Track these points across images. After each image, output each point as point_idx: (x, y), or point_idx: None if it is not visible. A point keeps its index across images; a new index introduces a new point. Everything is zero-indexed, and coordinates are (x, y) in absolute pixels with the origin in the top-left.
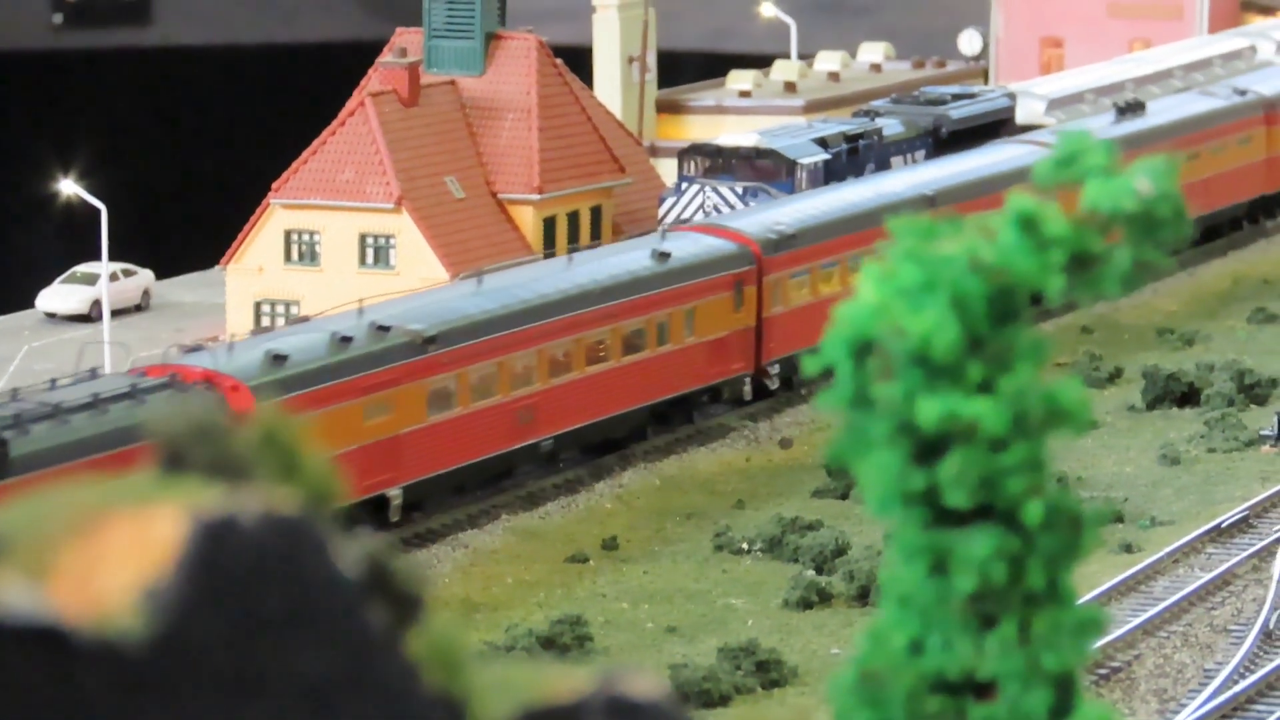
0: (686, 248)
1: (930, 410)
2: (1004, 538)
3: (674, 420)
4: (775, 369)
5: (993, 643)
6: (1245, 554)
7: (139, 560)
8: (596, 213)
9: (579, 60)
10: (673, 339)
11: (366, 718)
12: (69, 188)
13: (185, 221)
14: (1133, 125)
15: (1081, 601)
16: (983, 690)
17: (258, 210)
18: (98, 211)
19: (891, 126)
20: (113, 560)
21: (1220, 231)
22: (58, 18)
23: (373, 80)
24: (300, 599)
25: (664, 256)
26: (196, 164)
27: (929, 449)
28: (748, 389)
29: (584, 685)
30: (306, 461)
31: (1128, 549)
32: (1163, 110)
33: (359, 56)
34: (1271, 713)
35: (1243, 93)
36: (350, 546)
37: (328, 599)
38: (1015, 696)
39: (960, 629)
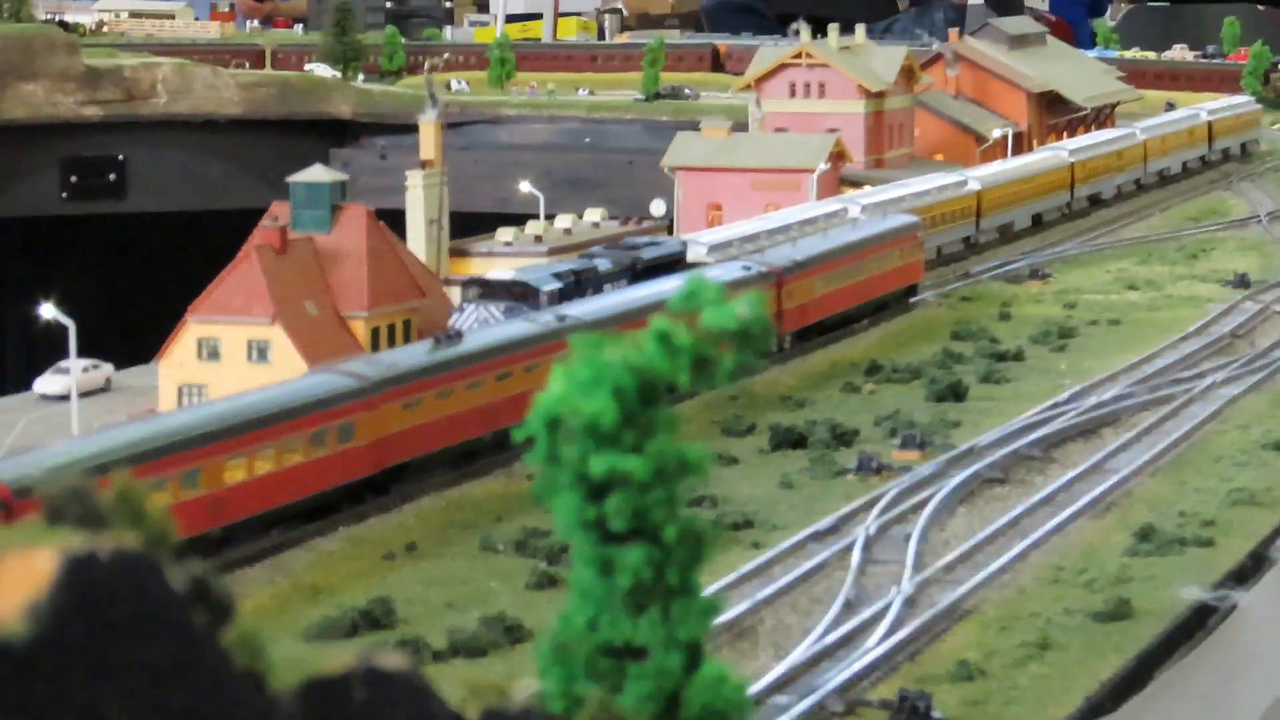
0: None
1: (598, 465)
2: (650, 551)
3: None
4: None
5: (644, 622)
6: (834, 549)
7: (26, 585)
8: (408, 324)
9: (397, 220)
10: None
11: (195, 690)
12: (49, 311)
13: (137, 331)
14: (448, 353)
15: (707, 591)
16: (637, 654)
17: (179, 324)
18: (65, 328)
19: (604, 264)
20: (7, 587)
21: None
22: (65, 194)
23: (257, 237)
24: (143, 608)
25: None
26: (148, 292)
27: (598, 491)
28: None
29: (350, 661)
30: (149, 514)
31: (756, 545)
32: (477, 339)
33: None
34: (849, 656)
35: (562, 318)
36: (180, 571)
37: (163, 608)
38: (659, 658)
39: (622, 612)
